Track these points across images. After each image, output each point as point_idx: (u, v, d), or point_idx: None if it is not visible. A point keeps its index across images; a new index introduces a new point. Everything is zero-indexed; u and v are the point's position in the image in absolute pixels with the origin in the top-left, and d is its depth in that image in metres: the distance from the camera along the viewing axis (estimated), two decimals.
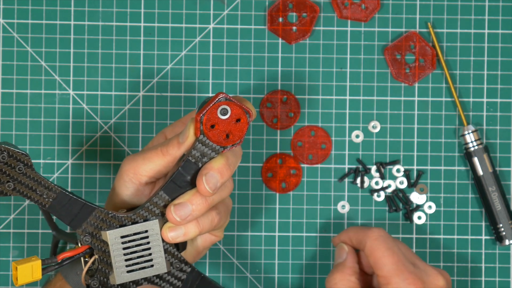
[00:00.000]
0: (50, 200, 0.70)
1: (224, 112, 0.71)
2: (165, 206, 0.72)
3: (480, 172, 0.85)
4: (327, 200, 0.88)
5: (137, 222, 0.72)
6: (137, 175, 0.74)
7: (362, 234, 0.79)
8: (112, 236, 0.71)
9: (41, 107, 0.87)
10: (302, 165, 0.87)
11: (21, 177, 0.69)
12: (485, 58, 0.88)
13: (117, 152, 0.87)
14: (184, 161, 0.72)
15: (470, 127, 0.86)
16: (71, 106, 0.87)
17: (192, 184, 0.72)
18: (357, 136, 0.87)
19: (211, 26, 0.87)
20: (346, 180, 0.87)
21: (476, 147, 0.85)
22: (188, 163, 0.71)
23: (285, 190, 0.87)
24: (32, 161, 0.86)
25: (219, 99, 0.70)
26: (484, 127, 0.87)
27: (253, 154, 0.87)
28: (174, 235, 0.72)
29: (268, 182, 0.87)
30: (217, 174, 0.71)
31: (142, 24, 0.87)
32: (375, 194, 0.87)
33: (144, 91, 0.87)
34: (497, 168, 0.88)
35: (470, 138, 0.85)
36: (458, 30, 0.88)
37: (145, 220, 0.72)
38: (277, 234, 0.87)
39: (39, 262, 0.69)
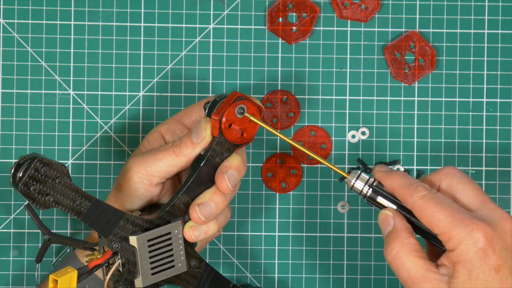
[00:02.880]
0: (86, 209, 0.70)
1: (241, 111, 0.72)
2: (186, 206, 0.73)
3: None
4: (327, 200, 0.88)
5: (160, 225, 0.72)
6: (149, 176, 0.74)
7: (404, 194, 0.70)
8: (140, 241, 0.71)
9: (41, 107, 0.87)
10: (302, 165, 0.87)
11: (60, 188, 0.68)
12: (485, 58, 0.88)
13: (117, 152, 0.87)
14: (205, 161, 0.72)
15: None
16: (71, 106, 0.87)
17: (209, 182, 0.73)
18: (353, 136, 0.87)
19: (211, 26, 0.87)
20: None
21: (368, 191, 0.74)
22: (207, 162, 0.72)
23: (285, 190, 0.87)
24: None
25: (237, 98, 0.71)
26: (484, 127, 0.88)
27: (253, 154, 0.87)
28: (197, 234, 0.74)
29: (268, 182, 0.87)
30: (236, 171, 0.73)
31: (142, 24, 0.87)
32: None
33: (144, 91, 0.87)
34: (497, 168, 0.87)
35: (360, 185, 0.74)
36: (458, 30, 0.88)
37: (168, 222, 0.72)
38: (277, 234, 0.87)
39: (75, 273, 0.69)
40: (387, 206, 0.72)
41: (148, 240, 0.72)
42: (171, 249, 0.73)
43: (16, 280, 0.87)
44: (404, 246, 0.69)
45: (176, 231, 0.73)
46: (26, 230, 0.87)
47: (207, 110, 0.74)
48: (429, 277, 0.68)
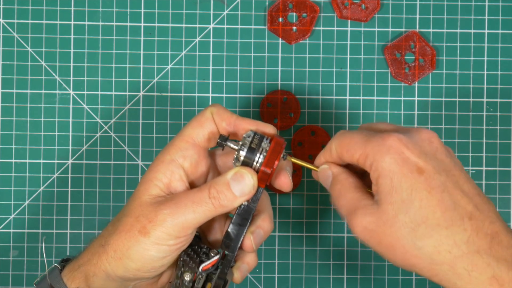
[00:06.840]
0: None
1: (283, 157, 0.71)
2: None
3: None
4: (327, 200, 0.88)
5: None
6: (185, 228, 0.70)
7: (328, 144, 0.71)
8: None
9: (41, 107, 0.87)
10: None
11: None
12: (485, 58, 0.88)
13: (117, 152, 0.87)
14: (252, 214, 0.71)
15: None
16: (71, 106, 0.87)
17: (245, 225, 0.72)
18: None
19: (211, 26, 0.87)
20: None
21: None
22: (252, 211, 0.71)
23: None
24: (32, 161, 0.86)
25: (284, 152, 0.70)
26: (484, 127, 0.88)
27: None
28: (243, 275, 0.73)
29: None
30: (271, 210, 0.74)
31: (142, 24, 0.87)
32: None
33: (144, 91, 0.87)
34: (497, 168, 0.88)
35: None
36: (458, 30, 0.88)
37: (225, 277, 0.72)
38: (277, 234, 0.87)
39: None
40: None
41: None
42: None
43: (16, 280, 0.87)
44: (344, 185, 0.69)
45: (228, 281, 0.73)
46: (26, 230, 0.87)
47: (242, 159, 0.70)
48: (361, 204, 0.67)
